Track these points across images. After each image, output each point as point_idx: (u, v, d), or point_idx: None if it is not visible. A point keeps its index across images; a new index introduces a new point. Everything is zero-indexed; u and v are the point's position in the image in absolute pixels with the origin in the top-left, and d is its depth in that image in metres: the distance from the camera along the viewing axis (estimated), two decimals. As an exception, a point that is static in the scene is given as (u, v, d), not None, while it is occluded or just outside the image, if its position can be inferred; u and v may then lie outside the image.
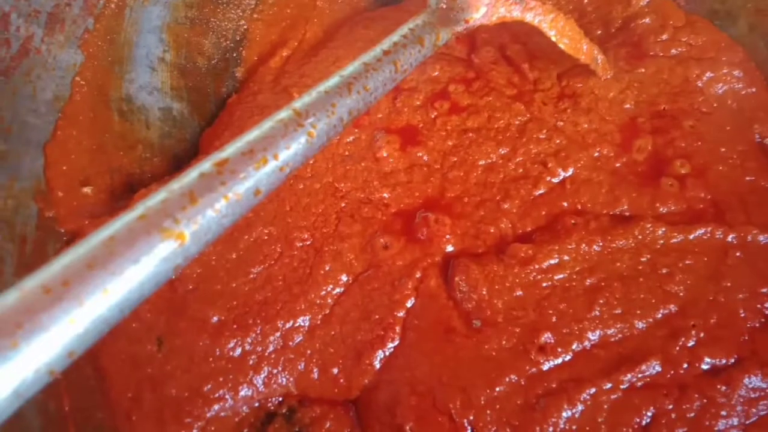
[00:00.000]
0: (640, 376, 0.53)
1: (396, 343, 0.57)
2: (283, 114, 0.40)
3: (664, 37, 0.75)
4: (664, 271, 0.60)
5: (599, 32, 0.79)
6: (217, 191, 0.35)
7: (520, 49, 0.75)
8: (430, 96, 0.71)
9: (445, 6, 0.55)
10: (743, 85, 0.74)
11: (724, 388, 0.52)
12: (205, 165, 0.36)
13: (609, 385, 0.53)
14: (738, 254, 0.61)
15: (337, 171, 0.65)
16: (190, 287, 0.57)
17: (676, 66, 0.74)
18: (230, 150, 0.37)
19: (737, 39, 0.77)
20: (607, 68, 0.71)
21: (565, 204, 0.66)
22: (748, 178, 0.67)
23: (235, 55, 0.76)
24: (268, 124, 0.39)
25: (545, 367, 0.54)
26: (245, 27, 0.78)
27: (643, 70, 0.74)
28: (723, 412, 0.52)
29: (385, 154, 0.67)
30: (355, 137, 0.68)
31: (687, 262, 0.61)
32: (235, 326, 0.55)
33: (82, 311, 0.29)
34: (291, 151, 0.40)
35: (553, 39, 0.64)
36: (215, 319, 0.56)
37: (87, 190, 0.65)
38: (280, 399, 0.56)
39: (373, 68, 0.45)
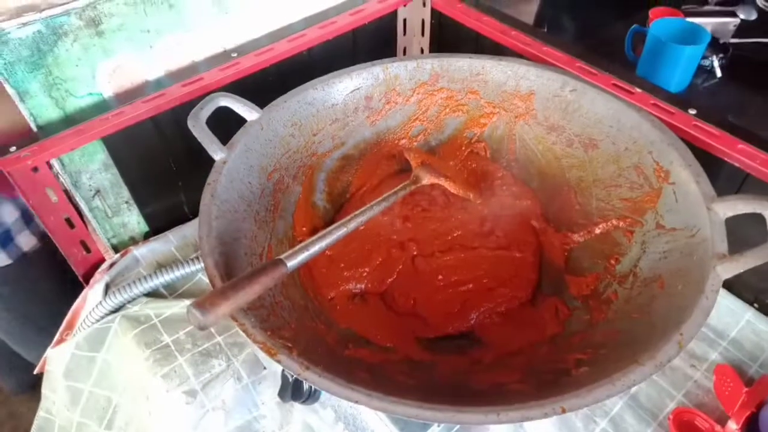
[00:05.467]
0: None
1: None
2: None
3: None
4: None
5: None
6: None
7: (452, 194, 2.05)
8: (414, 204, 2.03)
9: (414, 179, 1.89)
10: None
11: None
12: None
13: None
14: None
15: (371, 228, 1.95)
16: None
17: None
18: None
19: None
20: (477, 198, 1.98)
21: (452, 240, 1.90)
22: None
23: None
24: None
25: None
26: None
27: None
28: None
29: (397, 221, 1.97)
30: (388, 217, 2.00)
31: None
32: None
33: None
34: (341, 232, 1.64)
35: (451, 190, 1.95)
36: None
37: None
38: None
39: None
